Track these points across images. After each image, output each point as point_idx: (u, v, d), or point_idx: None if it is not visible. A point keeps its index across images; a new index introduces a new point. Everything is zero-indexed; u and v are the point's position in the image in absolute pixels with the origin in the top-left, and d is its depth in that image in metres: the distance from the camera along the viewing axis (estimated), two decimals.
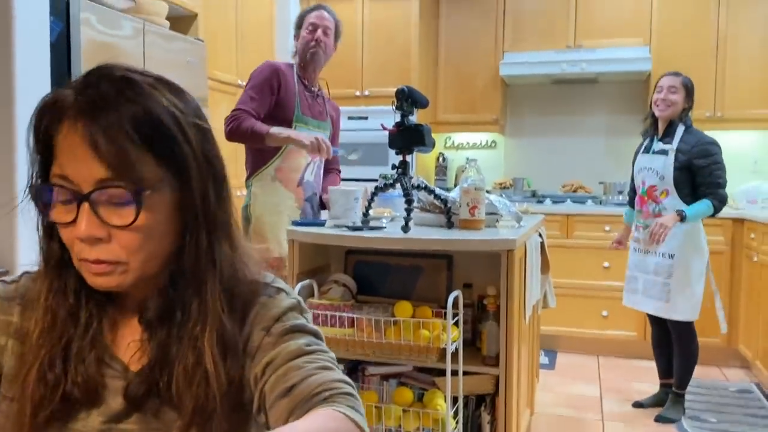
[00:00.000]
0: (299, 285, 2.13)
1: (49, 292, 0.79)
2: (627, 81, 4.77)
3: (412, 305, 2.05)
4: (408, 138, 2.22)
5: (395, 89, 2.25)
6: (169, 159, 0.74)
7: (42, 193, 0.75)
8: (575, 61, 4.54)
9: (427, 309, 2.04)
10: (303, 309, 0.85)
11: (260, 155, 2.69)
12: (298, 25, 2.79)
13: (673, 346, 3.20)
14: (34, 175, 0.76)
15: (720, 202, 3.02)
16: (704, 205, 3.01)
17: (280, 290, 0.85)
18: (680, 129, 3.11)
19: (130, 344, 0.80)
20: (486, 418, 2.15)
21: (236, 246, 0.82)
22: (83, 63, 2.63)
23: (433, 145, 2.31)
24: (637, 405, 3.38)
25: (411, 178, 2.24)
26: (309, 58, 2.73)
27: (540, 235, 2.69)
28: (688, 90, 3.12)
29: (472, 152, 5.17)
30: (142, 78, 0.76)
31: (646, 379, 3.75)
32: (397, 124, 2.24)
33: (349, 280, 2.29)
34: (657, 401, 3.36)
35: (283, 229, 2.65)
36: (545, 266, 2.75)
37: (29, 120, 0.75)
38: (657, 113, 3.16)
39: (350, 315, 2.02)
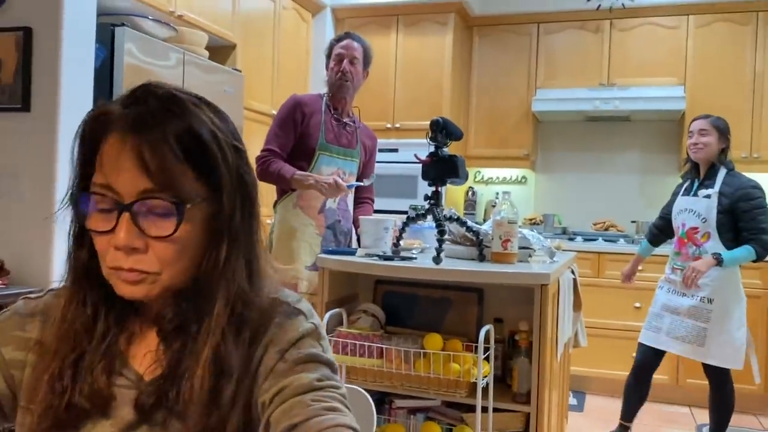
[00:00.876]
0: (328, 314, 2.11)
1: (69, 302, 0.80)
2: (660, 120, 4.74)
3: (442, 338, 2.02)
4: (441, 169, 2.22)
5: (426, 122, 2.26)
6: (208, 175, 0.77)
7: (82, 200, 0.77)
8: (608, 98, 4.52)
9: (457, 342, 2.01)
10: (320, 335, 0.84)
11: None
12: (328, 55, 2.82)
13: (709, 394, 3.11)
14: (75, 183, 0.79)
15: (763, 248, 2.94)
16: (745, 251, 2.94)
17: (298, 312, 0.84)
18: (722, 172, 3.05)
19: (146, 354, 0.81)
20: None
21: (256, 267, 0.83)
22: (124, 89, 2.69)
23: (467, 177, 2.30)
24: None
25: (443, 209, 2.23)
26: (336, 89, 2.76)
27: (572, 272, 2.64)
28: (720, 130, 3.07)
29: (502, 187, 5.14)
30: (187, 96, 0.78)
31: (678, 425, 3.63)
32: (431, 155, 2.24)
33: (378, 310, 2.27)
34: None
35: (301, 255, 2.66)
36: (577, 304, 2.70)
37: (76, 130, 0.78)
38: (692, 157, 3.12)
39: (379, 345, 2.00)
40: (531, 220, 4.93)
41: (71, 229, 0.81)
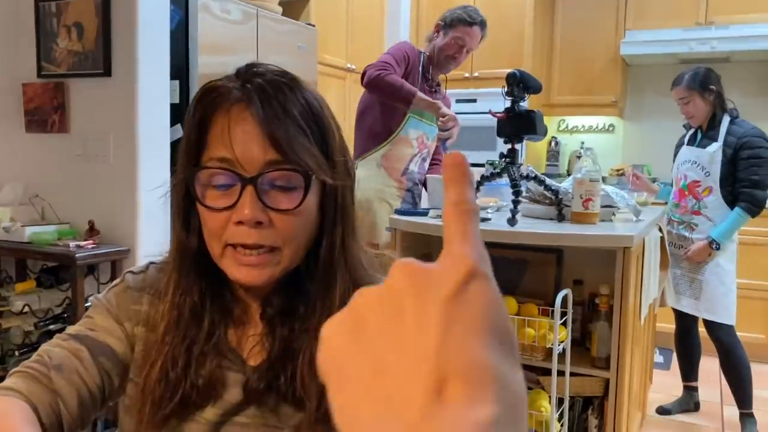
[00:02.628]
0: None
1: (176, 288, 0.80)
2: (764, 60, 4.35)
3: (516, 302, 1.97)
4: (518, 125, 2.12)
5: (506, 71, 2.16)
6: (324, 150, 0.76)
7: (202, 176, 0.75)
8: (705, 39, 4.18)
9: (533, 306, 1.95)
10: None
11: (370, 139, 2.68)
12: (449, 24, 2.69)
13: (719, 360, 2.92)
14: (185, 161, 0.77)
15: (754, 204, 2.72)
16: (736, 216, 2.75)
17: None
18: (725, 120, 2.82)
19: (249, 338, 0.81)
20: (593, 422, 2.04)
21: (360, 246, 0.82)
22: (200, 49, 2.72)
23: (545, 133, 2.19)
24: (663, 411, 3.16)
25: (520, 166, 2.14)
26: (442, 66, 2.72)
27: (660, 230, 2.51)
28: (698, 88, 2.82)
29: (587, 136, 4.92)
30: (294, 75, 0.78)
31: None
32: (507, 110, 2.15)
33: None
34: (683, 405, 3.18)
35: (383, 216, 2.64)
36: (664, 263, 2.56)
37: (188, 107, 0.77)
38: (691, 124, 2.97)
39: None
40: (618, 171, 4.70)
41: (176, 213, 0.80)
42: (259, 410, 0.78)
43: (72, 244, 2.38)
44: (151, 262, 0.88)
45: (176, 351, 0.77)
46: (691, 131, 3.02)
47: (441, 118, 2.54)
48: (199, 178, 0.75)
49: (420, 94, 2.51)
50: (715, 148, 2.82)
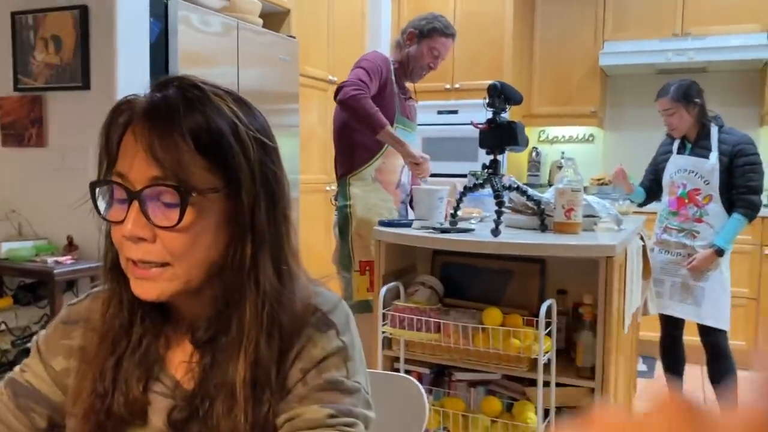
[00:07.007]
0: (384, 288, 2.09)
1: (108, 303, 0.80)
2: (740, 70, 4.42)
3: (501, 312, 1.96)
4: (499, 136, 2.13)
5: (487, 81, 2.17)
6: (224, 168, 0.74)
7: (100, 190, 0.76)
8: (682, 49, 4.24)
9: (517, 317, 1.95)
10: (348, 356, 0.79)
11: (361, 153, 2.62)
12: (423, 35, 2.66)
13: (708, 366, 2.96)
14: (101, 174, 0.78)
15: (749, 208, 2.80)
16: (735, 221, 2.81)
17: (331, 326, 0.79)
18: (714, 131, 2.89)
19: (181, 364, 0.79)
20: None
21: (286, 268, 0.79)
22: (180, 62, 2.70)
23: (527, 144, 2.20)
24: None
25: (502, 177, 2.15)
26: (414, 74, 2.72)
27: (641, 239, 2.52)
28: (684, 100, 2.88)
29: (568, 146, 4.96)
30: (211, 89, 0.76)
31: None
32: (489, 121, 2.15)
33: (436, 282, 2.23)
34: None
35: None
36: (646, 272, 2.58)
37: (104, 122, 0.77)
38: (674, 136, 3.02)
39: (436, 320, 1.96)
40: (599, 180, 4.73)
41: (104, 225, 0.79)
42: None
43: (50, 259, 2.34)
44: (91, 292, 0.89)
45: (106, 365, 0.77)
46: (678, 141, 3.05)
47: (411, 161, 2.49)
48: (103, 190, 0.76)
49: (389, 128, 2.43)
50: (715, 158, 2.86)
